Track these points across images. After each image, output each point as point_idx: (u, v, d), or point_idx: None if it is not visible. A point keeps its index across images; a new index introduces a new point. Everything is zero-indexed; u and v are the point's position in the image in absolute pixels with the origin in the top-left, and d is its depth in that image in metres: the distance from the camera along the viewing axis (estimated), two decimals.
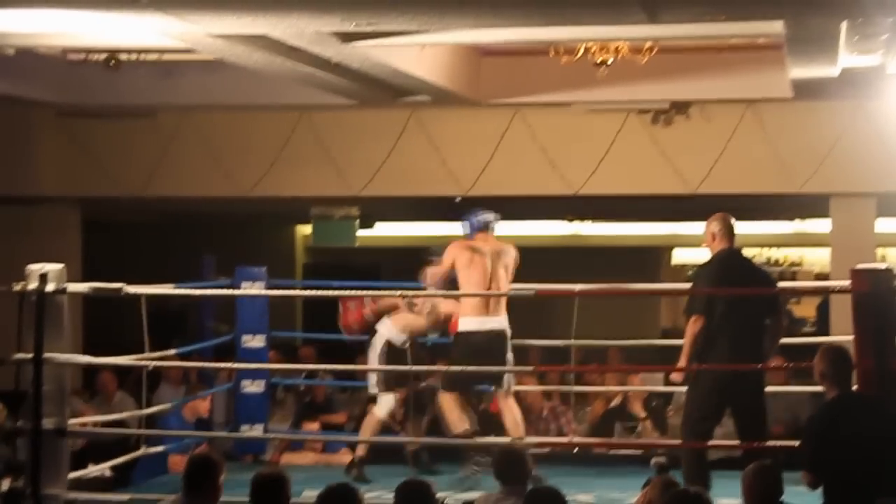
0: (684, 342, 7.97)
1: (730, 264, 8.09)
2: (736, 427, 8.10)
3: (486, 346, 8.84)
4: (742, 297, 7.89)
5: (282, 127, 12.88)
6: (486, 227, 9.10)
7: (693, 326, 7.91)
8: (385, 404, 9.29)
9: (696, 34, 8.72)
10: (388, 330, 9.37)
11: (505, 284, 8.91)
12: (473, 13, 7.49)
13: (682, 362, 7.98)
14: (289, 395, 11.50)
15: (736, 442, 8.47)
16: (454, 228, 17.69)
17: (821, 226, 14.78)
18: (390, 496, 5.92)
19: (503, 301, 8.91)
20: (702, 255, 19.27)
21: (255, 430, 10.12)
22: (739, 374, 7.79)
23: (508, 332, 8.92)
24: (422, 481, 5.84)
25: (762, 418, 7.98)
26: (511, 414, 8.98)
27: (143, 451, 9.48)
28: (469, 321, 8.88)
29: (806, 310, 17.34)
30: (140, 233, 17.04)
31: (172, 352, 9.53)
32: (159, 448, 9.60)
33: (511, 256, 9.04)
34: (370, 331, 9.39)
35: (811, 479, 6.21)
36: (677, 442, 8.60)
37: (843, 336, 8.13)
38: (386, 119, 12.71)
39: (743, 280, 8.02)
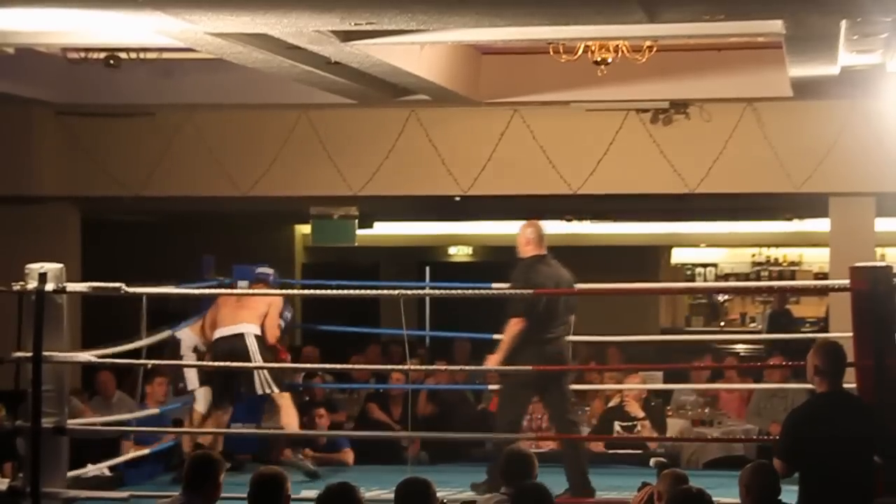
0: (504, 340, 8.70)
1: (542, 268, 8.83)
2: (548, 414, 9.24)
3: (229, 348, 9.45)
4: (553, 298, 8.72)
5: (281, 126, 12.88)
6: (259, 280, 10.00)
7: (515, 327, 8.66)
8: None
9: (696, 33, 8.71)
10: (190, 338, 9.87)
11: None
12: (473, 12, 7.49)
13: (496, 359, 8.72)
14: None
15: (734, 438, 8.53)
16: (454, 228, 17.83)
17: (820, 225, 14.78)
18: (389, 496, 5.92)
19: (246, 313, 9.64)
20: (702, 255, 19.34)
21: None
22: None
23: (248, 334, 9.51)
24: (422, 480, 5.84)
25: (567, 406, 8.93)
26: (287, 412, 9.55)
27: (144, 450, 9.50)
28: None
29: (807, 310, 17.35)
30: (139, 232, 17.04)
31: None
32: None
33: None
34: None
35: (782, 468, 6.24)
36: (676, 442, 8.64)
37: (841, 334, 8.13)
38: (385, 118, 12.71)
39: (553, 282, 8.80)
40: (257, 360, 9.49)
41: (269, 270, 10.13)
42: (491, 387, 11.29)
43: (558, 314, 8.83)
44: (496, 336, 10.11)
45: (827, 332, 13.03)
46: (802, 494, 6.23)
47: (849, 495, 6.06)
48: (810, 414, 6.34)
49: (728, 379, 11.95)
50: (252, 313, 9.64)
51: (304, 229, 16.54)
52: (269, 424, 10.38)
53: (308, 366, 11.01)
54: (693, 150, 12.47)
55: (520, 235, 9.00)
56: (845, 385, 6.45)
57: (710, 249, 18.76)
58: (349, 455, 10.39)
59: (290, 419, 9.58)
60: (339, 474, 9.13)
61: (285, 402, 9.59)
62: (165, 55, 10.63)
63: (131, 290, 8.17)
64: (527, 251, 8.92)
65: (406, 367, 8.88)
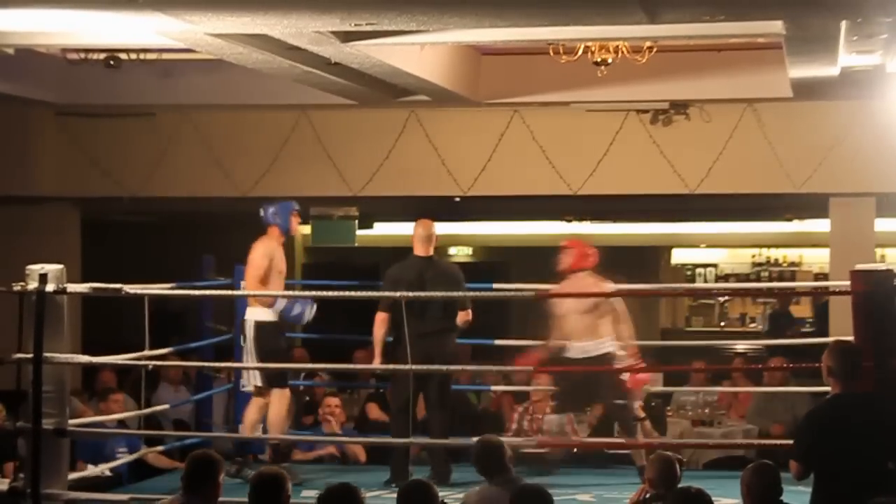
0: (374, 339, 9.06)
1: (422, 263, 9.14)
2: (426, 406, 9.27)
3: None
4: (430, 293, 8.88)
5: (281, 127, 12.89)
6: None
7: (377, 321, 9.03)
8: None
9: (696, 34, 8.71)
10: None
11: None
12: (473, 13, 7.49)
13: (377, 359, 9.06)
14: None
15: (736, 441, 8.54)
16: (454, 228, 17.89)
17: (820, 226, 14.78)
18: (390, 496, 5.92)
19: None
20: (702, 255, 19.31)
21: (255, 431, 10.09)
22: (429, 363, 8.81)
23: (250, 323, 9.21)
24: (425, 482, 5.84)
25: (448, 397, 9.26)
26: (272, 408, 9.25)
27: (144, 450, 9.50)
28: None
29: (806, 309, 17.34)
30: (139, 233, 17.03)
31: (168, 350, 9.55)
32: (159, 448, 9.63)
33: None
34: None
35: (798, 470, 6.24)
36: (677, 441, 8.64)
37: (842, 336, 8.13)
38: (385, 119, 12.71)
39: (434, 277, 9.05)
40: (250, 349, 9.19)
41: (285, 205, 9.49)
42: (493, 388, 11.32)
43: (431, 310, 9.03)
44: (498, 342, 10.15)
45: (822, 332, 13.04)
46: (817, 495, 6.23)
47: (862, 495, 6.05)
48: (825, 415, 6.34)
49: (733, 379, 11.95)
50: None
51: (304, 230, 16.56)
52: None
53: (310, 366, 10.99)
54: (693, 150, 12.47)
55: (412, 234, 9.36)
56: None
57: (710, 250, 18.75)
58: (361, 451, 10.35)
59: (273, 416, 9.23)
60: (341, 474, 9.12)
61: (274, 398, 9.23)
62: (165, 56, 10.64)
63: (132, 290, 8.16)
64: (415, 249, 9.27)
65: (407, 367, 8.86)
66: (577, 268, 9.32)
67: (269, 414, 9.23)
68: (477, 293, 8.86)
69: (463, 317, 9.13)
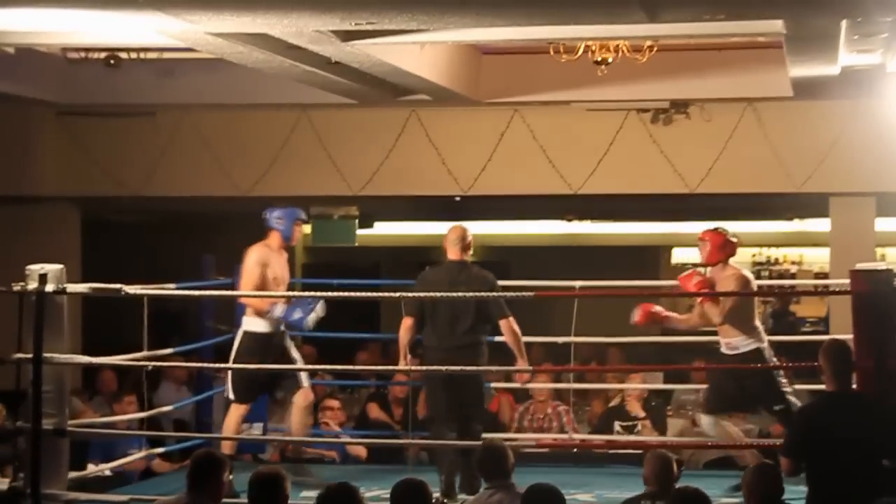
0: (399, 344, 8.59)
1: (453, 268, 8.70)
2: (459, 411, 8.61)
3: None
4: (447, 305, 8.50)
5: (281, 126, 12.88)
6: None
7: (402, 326, 8.60)
8: None
9: (696, 33, 8.72)
10: None
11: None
12: (473, 12, 7.49)
13: (402, 362, 8.63)
14: (289, 395, 11.45)
15: (734, 442, 8.53)
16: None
17: (820, 225, 14.77)
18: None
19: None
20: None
21: (255, 430, 10.09)
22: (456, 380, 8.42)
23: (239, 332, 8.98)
24: (417, 481, 5.84)
25: (481, 400, 8.83)
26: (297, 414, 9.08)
27: (145, 451, 9.49)
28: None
29: (808, 309, 17.32)
30: (139, 232, 17.03)
31: (172, 351, 9.53)
32: (159, 449, 9.62)
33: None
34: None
35: (788, 466, 6.27)
36: (677, 441, 8.64)
37: (842, 335, 8.13)
38: (385, 118, 12.71)
39: (463, 283, 8.54)
40: (231, 357, 9.00)
41: (290, 212, 9.34)
42: (493, 385, 11.31)
43: (461, 321, 8.54)
44: (499, 338, 10.09)
45: (828, 332, 13.03)
46: (810, 493, 6.25)
47: (856, 494, 6.07)
48: (817, 412, 6.39)
49: None
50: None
51: (305, 229, 16.57)
52: (275, 425, 10.37)
53: (308, 366, 10.96)
54: (693, 150, 12.47)
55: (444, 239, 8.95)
56: None
57: None
58: (361, 449, 10.33)
59: (294, 423, 9.15)
60: (341, 475, 9.12)
61: (231, 410, 9.01)
62: (165, 55, 10.65)
63: (132, 290, 8.16)
64: (449, 253, 8.84)
65: (406, 367, 8.84)
66: (714, 260, 9.31)
67: (293, 419, 9.11)
68: (480, 294, 8.78)
69: (506, 327, 8.55)
